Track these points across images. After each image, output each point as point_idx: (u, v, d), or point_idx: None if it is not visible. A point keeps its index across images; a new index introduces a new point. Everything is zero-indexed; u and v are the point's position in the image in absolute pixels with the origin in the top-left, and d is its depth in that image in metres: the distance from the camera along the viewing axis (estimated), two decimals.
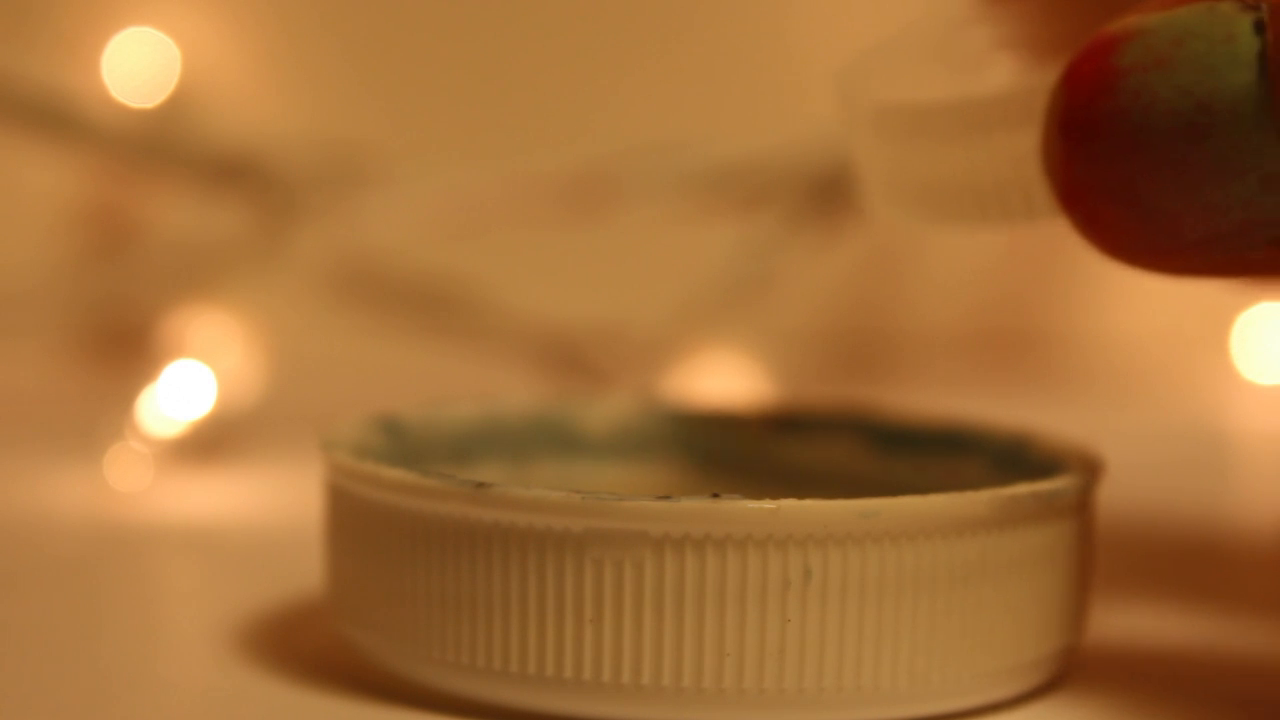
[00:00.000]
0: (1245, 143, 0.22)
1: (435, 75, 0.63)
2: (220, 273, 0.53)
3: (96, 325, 0.59)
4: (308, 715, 0.25)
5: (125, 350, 0.56)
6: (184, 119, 0.55)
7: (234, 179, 0.52)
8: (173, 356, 0.48)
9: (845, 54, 0.28)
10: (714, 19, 0.64)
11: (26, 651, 0.28)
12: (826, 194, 0.53)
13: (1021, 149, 0.24)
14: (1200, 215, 0.22)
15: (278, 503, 0.40)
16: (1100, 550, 0.27)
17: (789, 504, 0.23)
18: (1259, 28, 0.22)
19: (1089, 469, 0.26)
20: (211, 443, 0.45)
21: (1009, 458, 0.29)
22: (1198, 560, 0.37)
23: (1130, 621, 0.30)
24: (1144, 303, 0.63)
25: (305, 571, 0.30)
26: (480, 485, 0.24)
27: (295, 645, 0.28)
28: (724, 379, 0.54)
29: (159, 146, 0.53)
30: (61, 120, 0.51)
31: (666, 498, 0.23)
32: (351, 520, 0.26)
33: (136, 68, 0.59)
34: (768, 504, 0.23)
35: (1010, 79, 0.27)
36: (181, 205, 0.56)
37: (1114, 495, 0.28)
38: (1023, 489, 0.25)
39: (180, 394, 0.45)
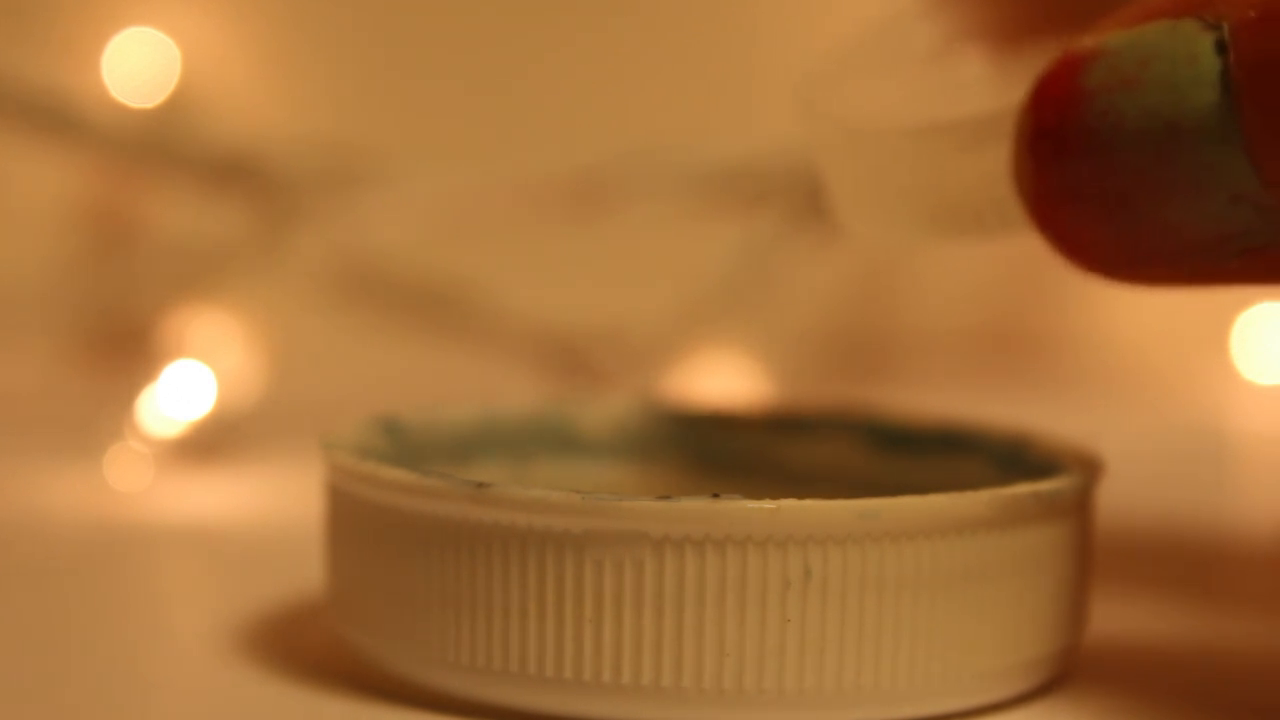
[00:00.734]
0: (1213, 161, 0.22)
1: (435, 76, 0.63)
2: (220, 273, 0.53)
3: (96, 325, 0.59)
4: (308, 715, 0.25)
5: (125, 350, 0.56)
6: (184, 119, 0.55)
7: (234, 179, 0.52)
8: (173, 356, 0.48)
9: (809, 59, 0.28)
10: (714, 19, 0.64)
11: (27, 651, 0.28)
12: (826, 194, 0.53)
13: (994, 167, 0.24)
14: (1172, 231, 0.23)
15: (278, 503, 0.40)
16: (1100, 550, 0.27)
17: (789, 504, 0.23)
18: (1220, 47, 0.22)
19: (1089, 469, 0.26)
20: (211, 443, 0.45)
21: (1009, 458, 0.29)
22: (1197, 560, 0.37)
23: (1130, 621, 0.30)
24: (1144, 303, 0.63)
25: (305, 571, 0.30)
26: (480, 485, 0.24)
27: (295, 645, 0.28)
28: (724, 379, 0.54)
29: (159, 146, 0.53)
30: (61, 120, 0.51)
31: (666, 498, 0.23)
32: (351, 520, 0.26)
33: (136, 68, 0.59)
34: (768, 504, 0.23)
35: (979, 99, 0.27)
36: (181, 205, 0.56)
37: (1114, 495, 0.28)
38: (1023, 489, 0.25)
39: (180, 394, 0.45)
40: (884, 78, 0.29)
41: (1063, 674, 0.27)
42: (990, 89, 0.28)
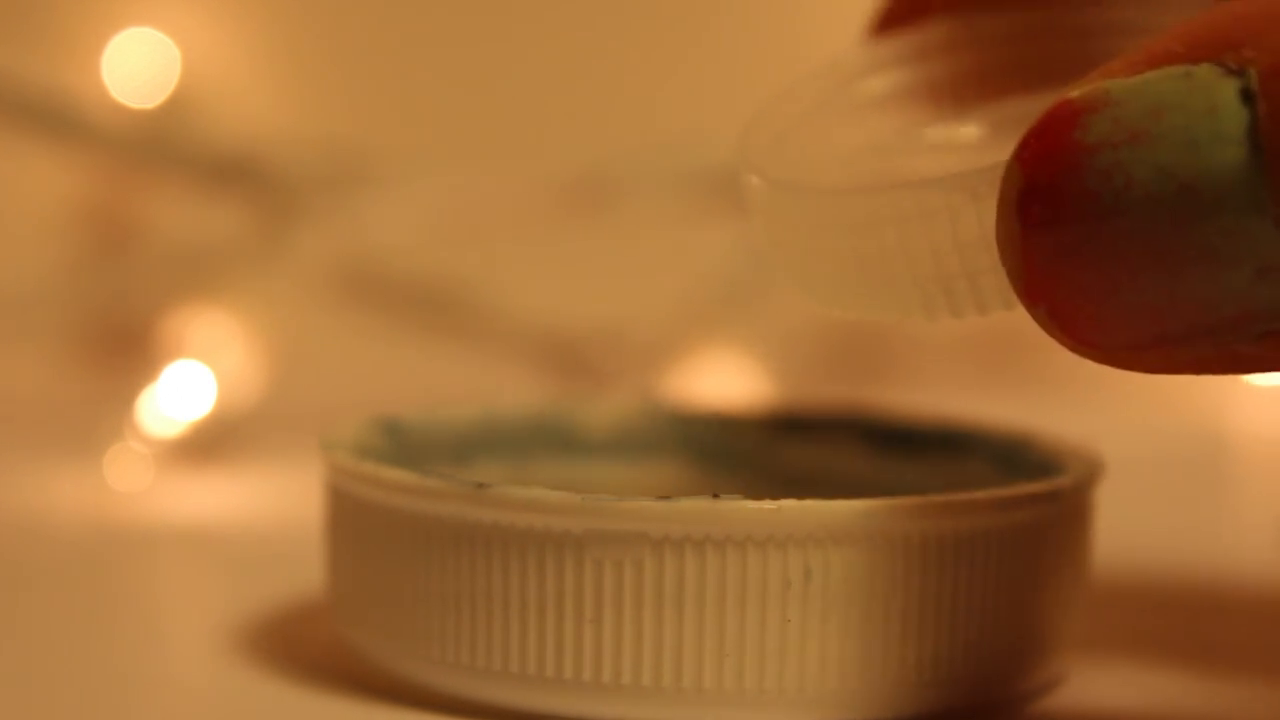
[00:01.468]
0: (1237, 229, 0.19)
1: (435, 76, 0.63)
2: (220, 273, 0.53)
3: (96, 326, 0.59)
4: (308, 715, 0.25)
5: (125, 350, 0.56)
6: (184, 119, 0.55)
7: (234, 179, 0.52)
8: (173, 356, 0.48)
9: (749, 110, 0.26)
10: (714, 19, 0.64)
11: (27, 651, 0.28)
12: (771, 261, 0.53)
13: (967, 235, 0.22)
14: (1185, 310, 0.20)
15: (278, 503, 0.40)
16: (1100, 550, 0.27)
17: (789, 504, 0.23)
18: (1245, 97, 0.19)
19: (1089, 469, 0.26)
20: (211, 443, 0.45)
21: (1009, 458, 0.29)
22: (1197, 561, 0.37)
23: (1129, 621, 0.30)
24: None
25: (305, 571, 0.30)
26: (480, 485, 0.24)
27: (295, 645, 0.28)
28: (724, 379, 0.54)
29: (159, 146, 0.53)
30: (61, 120, 0.51)
31: (666, 498, 0.23)
32: (351, 520, 0.26)
33: (136, 68, 0.59)
34: (768, 504, 0.23)
35: (943, 155, 0.25)
36: (181, 205, 0.56)
37: (1114, 495, 0.28)
38: (1023, 489, 0.25)
39: (180, 394, 0.45)
40: (829, 130, 0.26)
41: (1062, 674, 0.27)
42: (951, 143, 0.26)
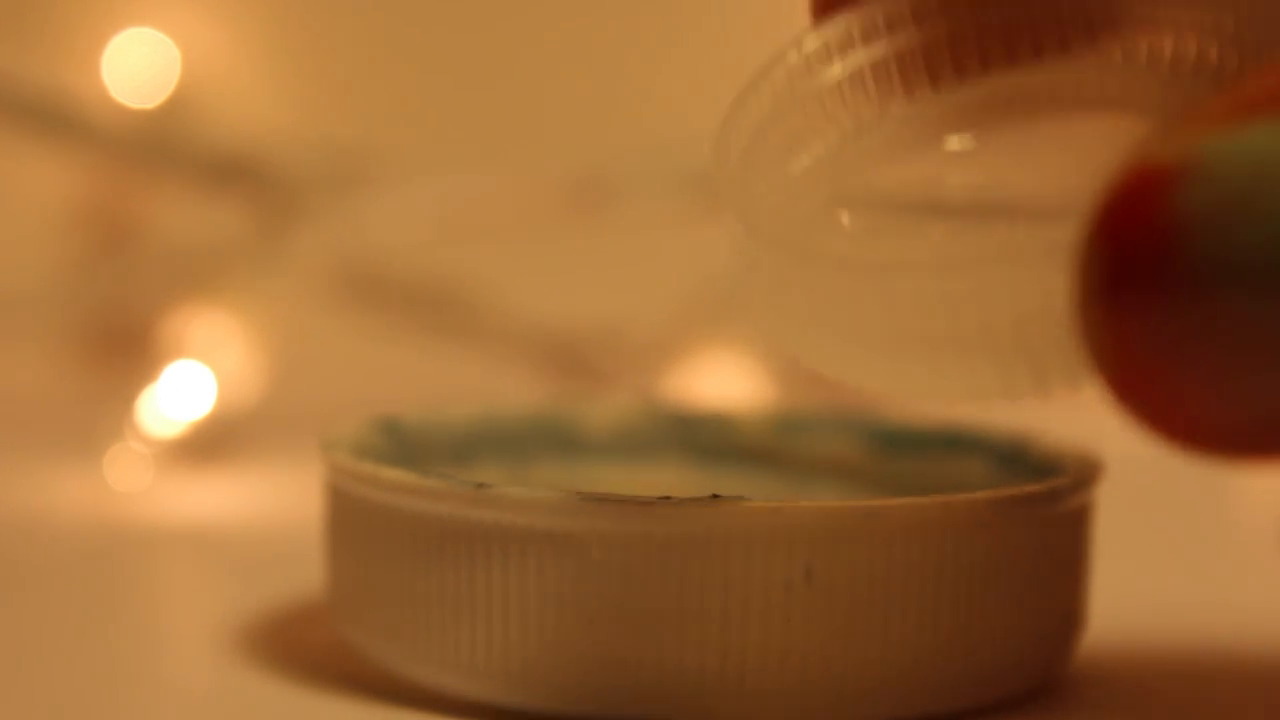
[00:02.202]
0: None
1: (435, 76, 0.63)
2: (220, 273, 0.53)
3: (96, 326, 0.59)
4: (308, 715, 0.25)
5: (125, 350, 0.56)
6: (184, 119, 0.55)
7: (234, 179, 0.52)
8: (173, 356, 0.48)
9: (715, 122, 0.23)
10: (714, 19, 0.64)
11: (27, 651, 0.28)
12: (761, 323, 0.53)
13: (1028, 305, 0.19)
14: None
15: (278, 503, 0.40)
16: (1099, 550, 0.27)
17: (789, 504, 0.23)
18: None
19: (1089, 469, 0.26)
20: (211, 443, 0.45)
21: (1009, 458, 0.29)
22: (1197, 561, 0.37)
23: (1129, 621, 0.30)
24: None
25: (305, 571, 0.30)
26: (480, 485, 0.24)
27: (295, 645, 0.28)
28: (724, 379, 0.54)
29: (159, 146, 0.52)
30: (61, 120, 0.51)
31: (666, 498, 0.23)
32: (351, 520, 0.26)
33: (136, 68, 0.59)
34: (768, 504, 0.23)
35: (948, 180, 0.23)
36: (181, 205, 0.56)
37: (1114, 495, 0.28)
38: (1023, 489, 0.25)
39: (180, 394, 0.45)
40: (805, 144, 0.23)
41: (1062, 674, 0.27)
42: (943, 153, 0.23)
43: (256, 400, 0.48)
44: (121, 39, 0.59)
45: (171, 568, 0.36)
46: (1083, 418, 0.37)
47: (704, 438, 0.32)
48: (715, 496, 0.23)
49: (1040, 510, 0.25)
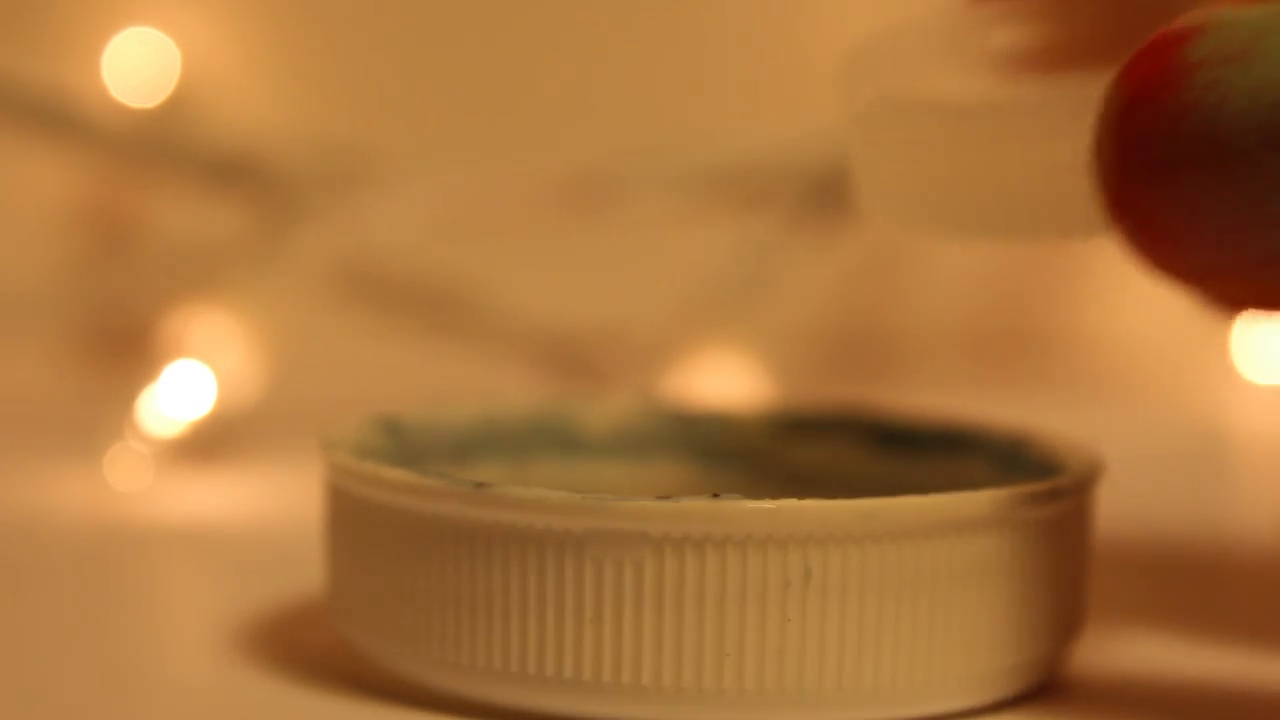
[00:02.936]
0: None
1: (435, 75, 0.63)
2: (220, 273, 0.53)
3: (96, 325, 0.59)
4: (308, 715, 0.25)
5: (125, 350, 0.56)
6: (184, 119, 0.55)
7: (234, 179, 0.52)
8: (173, 356, 0.48)
9: (851, 43, 0.26)
10: (714, 18, 0.64)
11: (27, 651, 0.28)
12: (826, 194, 0.53)
13: (1058, 158, 0.22)
14: (1273, 232, 0.20)
15: (278, 503, 0.40)
16: (1100, 550, 0.27)
17: (789, 504, 0.23)
18: None
19: (1088, 469, 0.26)
20: (211, 443, 0.45)
21: (1009, 458, 0.29)
22: (1197, 560, 0.37)
23: (1129, 621, 0.30)
24: (1144, 303, 0.63)
25: (305, 571, 0.30)
26: (480, 485, 0.24)
27: (295, 645, 0.28)
28: (724, 379, 0.54)
29: (159, 146, 0.52)
30: (61, 120, 0.51)
31: (666, 498, 0.23)
32: (351, 520, 0.26)
33: (136, 68, 0.59)
34: (768, 504, 0.23)
35: (1042, 81, 0.25)
36: (181, 205, 0.56)
37: (1114, 495, 0.28)
38: (1023, 489, 0.25)
39: (180, 394, 0.45)
40: (939, 66, 0.26)
41: (1062, 674, 0.27)
42: (1064, 94, 0.25)
43: (256, 400, 0.48)
44: (121, 39, 0.59)
45: (171, 568, 0.36)
46: (1083, 417, 0.37)
47: (704, 438, 0.32)
48: (715, 496, 0.23)
49: (1040, 510, 0.25)
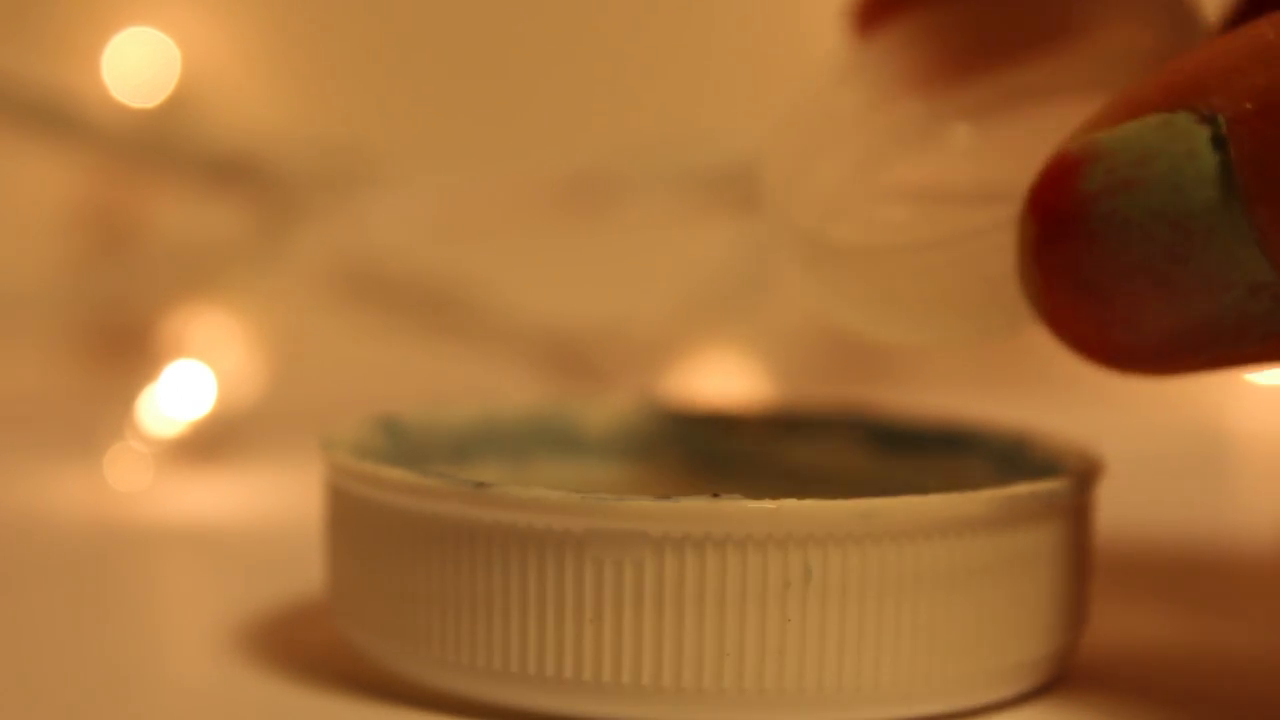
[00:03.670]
0: (1227, 258, 0.22)
1: (435, 76, 0.63)
2: (220, 273, 0.53)
3: (96, 325, 0.59)
4: (308, 715, 0.25)
5: (125, 350, 0.56)
6: (184, 119, 0.55)
7: (234, 179, 0.52)
8: (173, 356, 0.48)
9: (749, 110, 0.28)
10: (714, 19, 0.64)
11: (27, 651, 0.28)
12: (816, 303, 0.53)
13: (989, 271, 0.24)
14: (1192, 327, 0.22)
15: (278, 503, 0.40)
16: (1100, 550, 0.27)
17: (789, 504, 0.23)
18: (1218, 143, 0.22)
19: (1089, 469, 0.26)
20: (211, 443, 0.45)
21: (1009, 458, 0.29)
22: (1197, 560, 0.37)
23: (1129, 621, 0.30)
24: None
25: (305, 571, 0.30)
26: (480, 485, 0.24)
27: (295, 645, 0.28)
28: (724, 379, 0.54)
29: (159, 146, 0.53)
30: (61, 120, 0.51)
31: (666, 498, 0.23)
32: (351, 520, 0.26)
33: (136, 68, 0.59)
34: (768, 504, 0.23)
35: (954, 169, 0.27)
36: (181, 205, 0.56)
37: (1114, 495, 0.28)
38: (1022, 489, 0.25)
39: (180, 394, 0.45)
40: (840, 157, 0.28)
41: (1062, 674, 0.27)
42: (953, 147, 0.28)
43: (256, 400, 0.48)
44: (121, 39, 0.59)
45: (171, 568, 0.36)
46: (1083, 418, 0.37)
47: (704, 438, 0.32)
48: (715, 496, 0.23)
49: (1040, 510, 0.25)
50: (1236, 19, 0.27)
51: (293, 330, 0.56)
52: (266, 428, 0.46)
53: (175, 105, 0.58)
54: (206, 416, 0.45)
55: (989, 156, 0.27)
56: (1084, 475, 0.26)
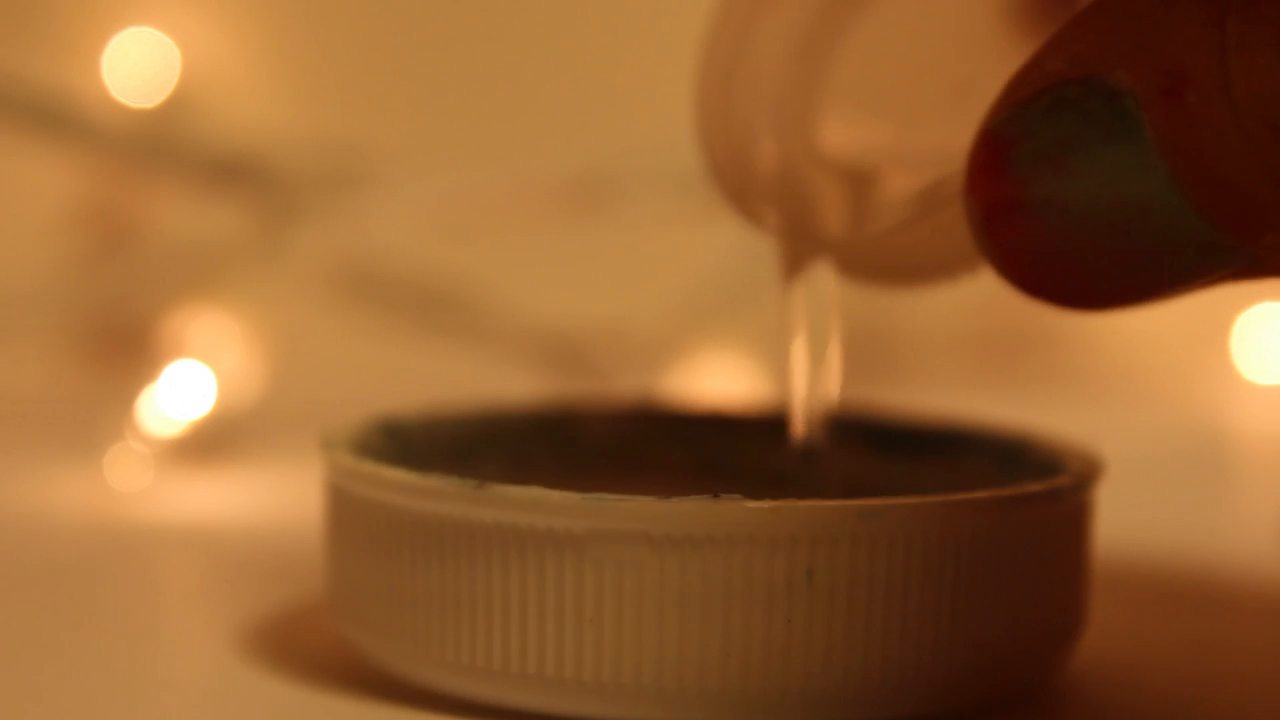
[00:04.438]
0: (1170, 227, 0.22)
1: (435, 76, 0.63)
2: (220, 273, 0.53)
3: (96, 325, 0.59)
4: (308, 715, 0.25)
5: (125, 350, 0.56)
6: (184, 119, 0.55)
7: (234, 179, 0.52)
8: (173, 356, 0.48)
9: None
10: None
11: (27, 651, 0.28)
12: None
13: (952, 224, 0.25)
14: (1149, 283, 0.23)
15: (278, 503, 0.40)
16: (1100, 550, 0.27)
17: (789, 504, 0.23)
18: (1135, 118, 0.22)
19: (1089, 469, 0.26)
20: (211, 443, 0.45)
21: (1009, 458, 0.29)
22: (1197, 560, 0.37)
23: (1129, 621, 0.30)
24: None
25: (305, 571, 0.30)
26: (480, 485, 0.24)
27: (295, 645, 0.28)
28: (724, 379, 0.54)
29: (159, 146, 0.53)
30: (61, 120, 0.51)
31: (666, 498, 0.23)
32: (351, 520, 0.26)
33: (136, 68, 0.59)
34: (768, 504, 0.23)
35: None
36: (181, 205, 0.56)
37: (1114, 495, 0.28)
38: (1023, 489, 0.25)
39: (180, 394, 0.45)
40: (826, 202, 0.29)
41: (1062, 673, 0.27)
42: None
43: (256, 400, 0.48)
44: (121, 39, 0.59)
45: (171, 568, 0.36)
46: (1083, 418, 0.37)
47: (704, 438, 0.32)
48: (715, 496, 0.23)
49: (1040, 510, 0.25)
50: None
51: (292, 330, 0.56)
52: (266, 428, 0.46)
53: (175, 105, 0.58)
54: (206, 416, 0.45)
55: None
56: (1084, 475, 0.26)
